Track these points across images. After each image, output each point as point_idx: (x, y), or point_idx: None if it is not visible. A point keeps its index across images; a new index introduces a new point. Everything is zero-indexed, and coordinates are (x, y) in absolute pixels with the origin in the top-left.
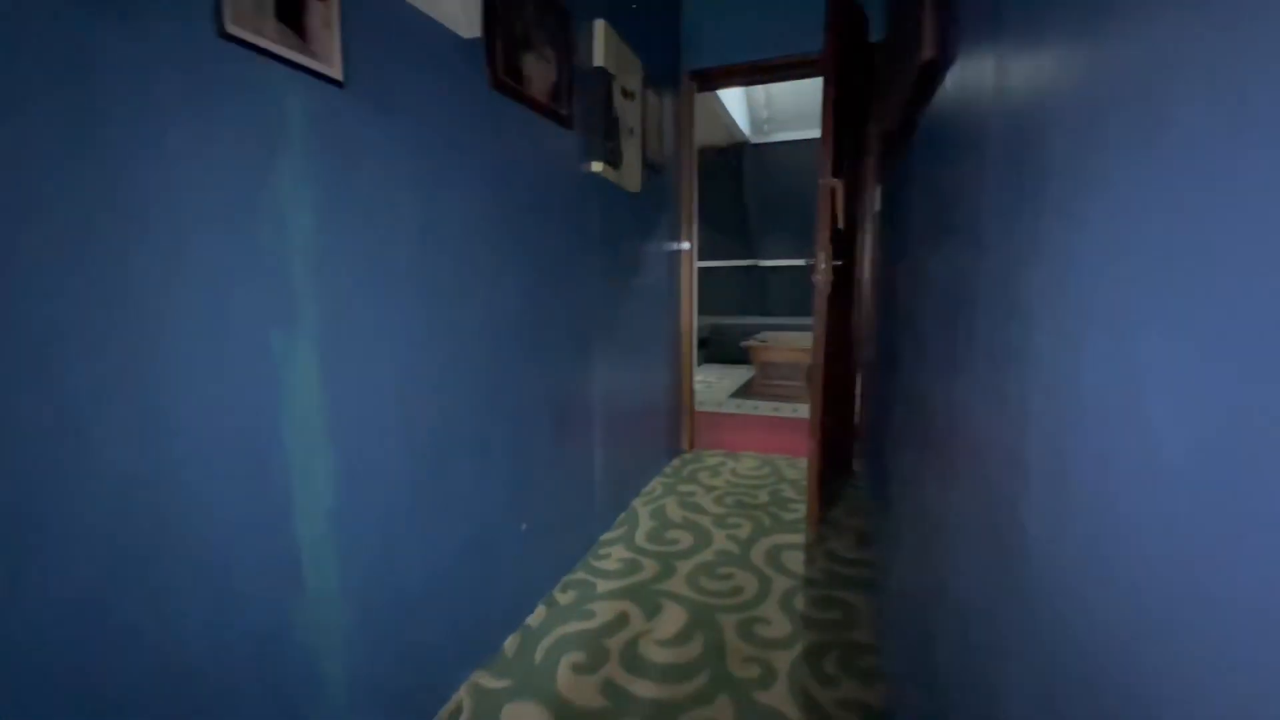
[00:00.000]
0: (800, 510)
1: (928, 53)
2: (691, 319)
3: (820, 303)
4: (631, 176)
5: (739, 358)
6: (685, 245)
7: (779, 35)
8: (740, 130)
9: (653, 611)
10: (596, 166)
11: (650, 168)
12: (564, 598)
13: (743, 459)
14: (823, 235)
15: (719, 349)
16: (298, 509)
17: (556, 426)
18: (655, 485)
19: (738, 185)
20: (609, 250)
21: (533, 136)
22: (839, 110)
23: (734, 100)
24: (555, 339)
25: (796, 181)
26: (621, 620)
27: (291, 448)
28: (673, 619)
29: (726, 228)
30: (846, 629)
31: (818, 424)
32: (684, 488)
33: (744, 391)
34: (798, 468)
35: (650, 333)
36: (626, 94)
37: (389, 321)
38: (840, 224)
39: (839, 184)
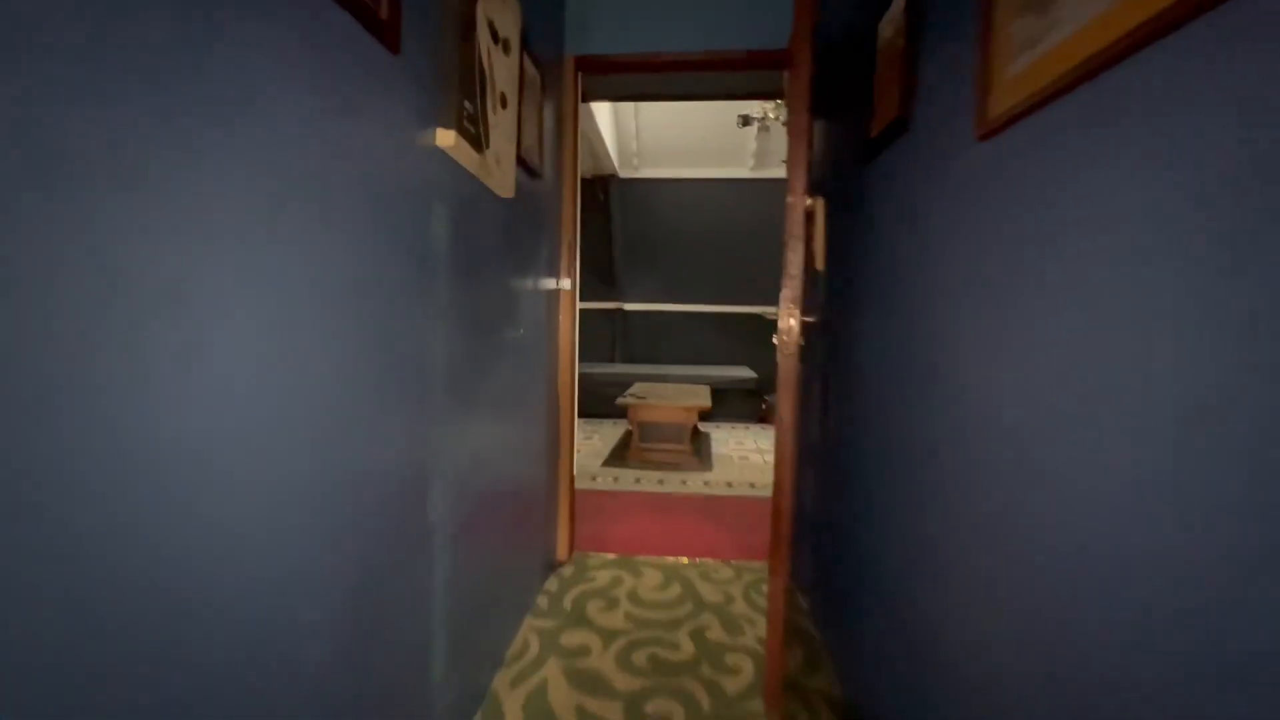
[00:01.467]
0: (743, 668)
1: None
2: (572, 377)
3: (788, 373)
4: (503, 173)
5: (604, 410)
6: (565, 284)
7: (678, 28)
8: (610, 160)
9: None
10: (446, 139)
11: (527, 170)
12: None
13: (642, 571)
14: (793, 280)
15: (583, 400)
16: None
17: (362, 565)
18: (527, 636)
19: (605, 220)
20: (465, 281)
21: (316, 60)
22: (816, 98)
23: (604, 125)
24: (369, 412)
25: (664, 222)
26: None
27: None
28: None
29: (591, 266)
30: None
31: (783, 555)
32: (570, 638)
33: (619, 457)
34: (712, 579)
35: (519, 396)
36: (499, 39)
37: None
38: (820, 264)
39: (820, 204)
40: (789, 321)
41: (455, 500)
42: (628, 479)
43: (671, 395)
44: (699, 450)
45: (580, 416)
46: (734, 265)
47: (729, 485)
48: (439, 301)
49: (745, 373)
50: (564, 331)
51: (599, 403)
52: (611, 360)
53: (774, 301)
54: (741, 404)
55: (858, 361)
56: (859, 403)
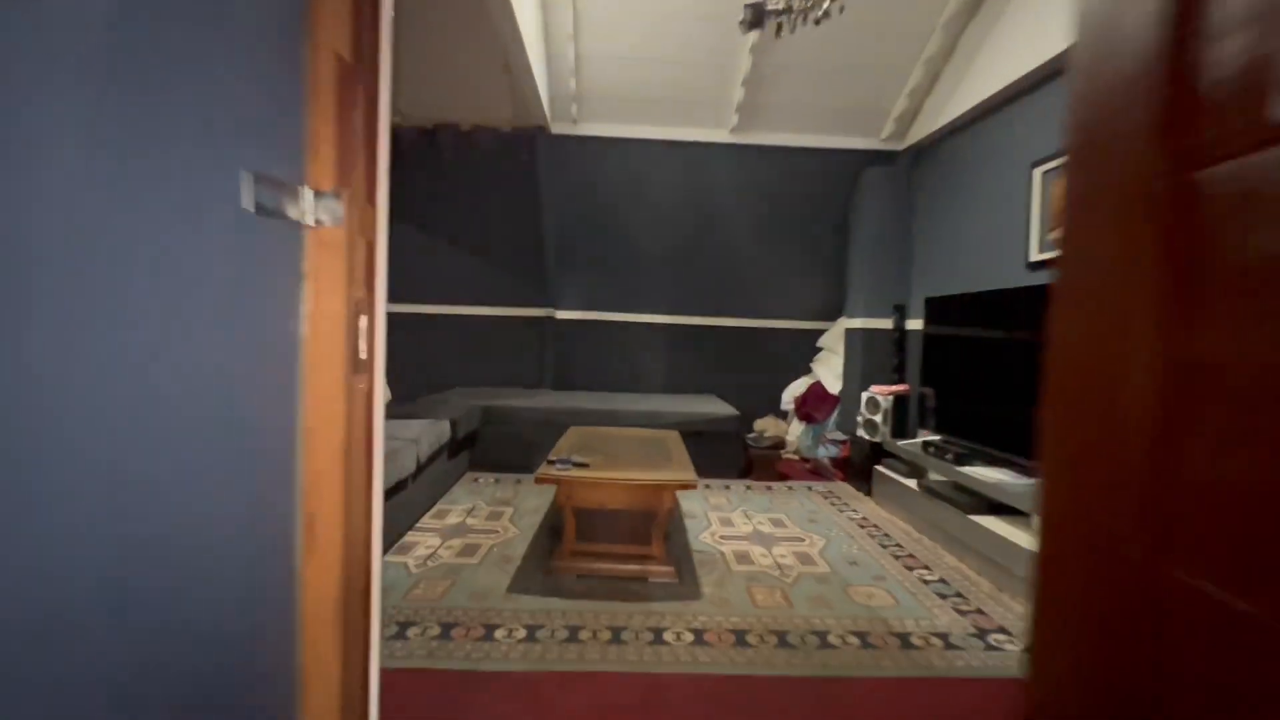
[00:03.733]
0: None
1: None
2: (372, 458)
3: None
4: None
5: (523, 462)
6: (322, 213)
7: None
8: (539, 106)
9: None
10: None
11: None
12: None
13: None
14: None
15: (494, 448)
16: None
17: None
18: None
19: (530, 192)
20: None
21: None
22: None
23: (534, 57)
24: None
25: (612, 198)
26: None
27: None
28: None
29: (509, 256)
30: None
31: None
32: None
33: (541, 567)
34: None
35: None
36: None
37: None
38: None
39: None
40: None
41: None
42: (555, 630)
43: (629, 457)
44: (674, 554)
45: (489, 469)
46: (707, 262)
47: (741, 639)
48: None
49: (721, 408)
50: (319, 340)
51: (519, 452)
52: (538, 387)
53: (764, 312)
54: (717, 452)
55: None
56: None
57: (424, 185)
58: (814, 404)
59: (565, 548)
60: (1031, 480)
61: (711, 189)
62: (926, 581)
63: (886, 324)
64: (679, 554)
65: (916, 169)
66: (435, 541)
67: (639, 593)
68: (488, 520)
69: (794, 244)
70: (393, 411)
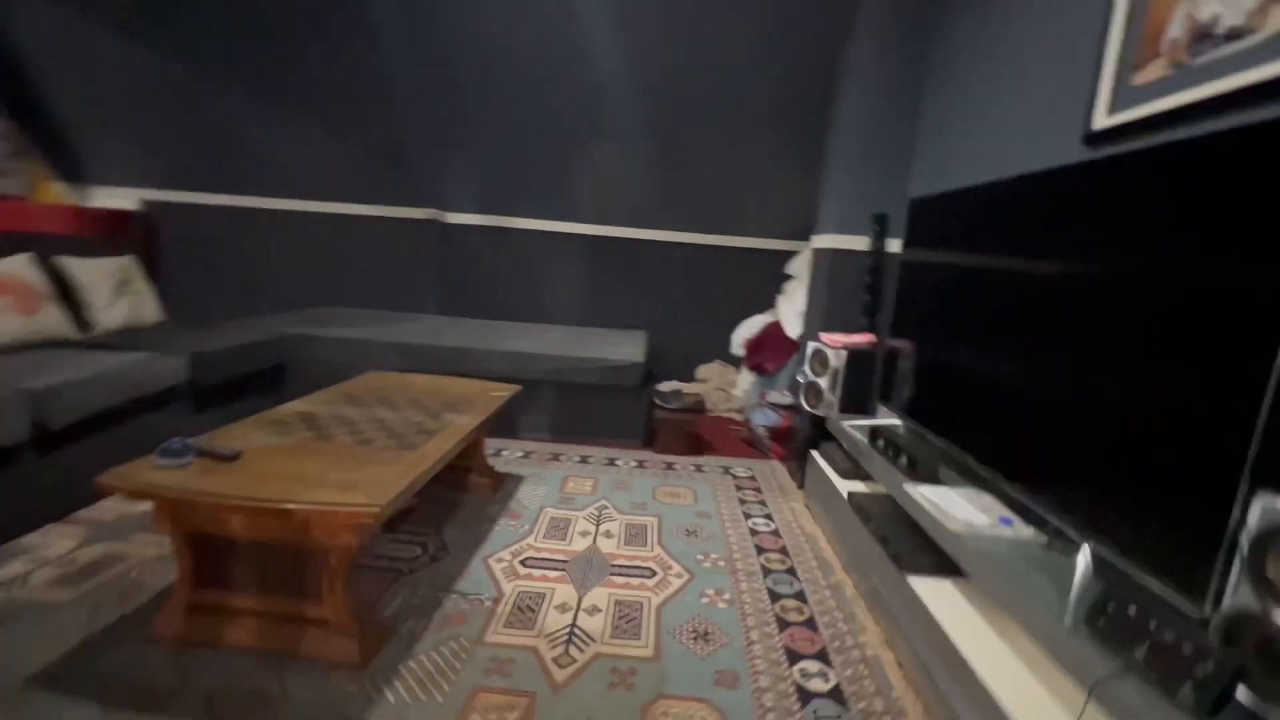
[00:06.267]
0: None
1: None
2: None
3: None
4: None
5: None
6: None
7: None
8: None
9: None
10: None
11: None
12: None
13: None
14: None
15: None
16: None
17: None
18: None
19: (369, 42)
20: None
21: None
22: None
23: None
24: None
25: (513, 52)
26: None
27: None
28: None
29: (368, 140)
30: None
31: None
32: None
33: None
34: None
35: None
36: None
37: None
38: None
39: None
40: None
41: None
42: None
43: (355, 435)
44: (385, 606)
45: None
46: (648, 154)
47: None
48: None
49: (625, 353)
50: None
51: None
52: (422, 312)
53: (723, 225)
54: (612, 413)
55: None
56: None
57: (213, 9)
58: (768, 351)
59: (176, 598)
60: (1039, 532)
61: (643, 45)
62: (806, 693)
63: (861, 244)
64: (417, 600)
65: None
66: (62, 549)
67: (268, 693)
68: None
69: (763, 126)
70: (109, 341)
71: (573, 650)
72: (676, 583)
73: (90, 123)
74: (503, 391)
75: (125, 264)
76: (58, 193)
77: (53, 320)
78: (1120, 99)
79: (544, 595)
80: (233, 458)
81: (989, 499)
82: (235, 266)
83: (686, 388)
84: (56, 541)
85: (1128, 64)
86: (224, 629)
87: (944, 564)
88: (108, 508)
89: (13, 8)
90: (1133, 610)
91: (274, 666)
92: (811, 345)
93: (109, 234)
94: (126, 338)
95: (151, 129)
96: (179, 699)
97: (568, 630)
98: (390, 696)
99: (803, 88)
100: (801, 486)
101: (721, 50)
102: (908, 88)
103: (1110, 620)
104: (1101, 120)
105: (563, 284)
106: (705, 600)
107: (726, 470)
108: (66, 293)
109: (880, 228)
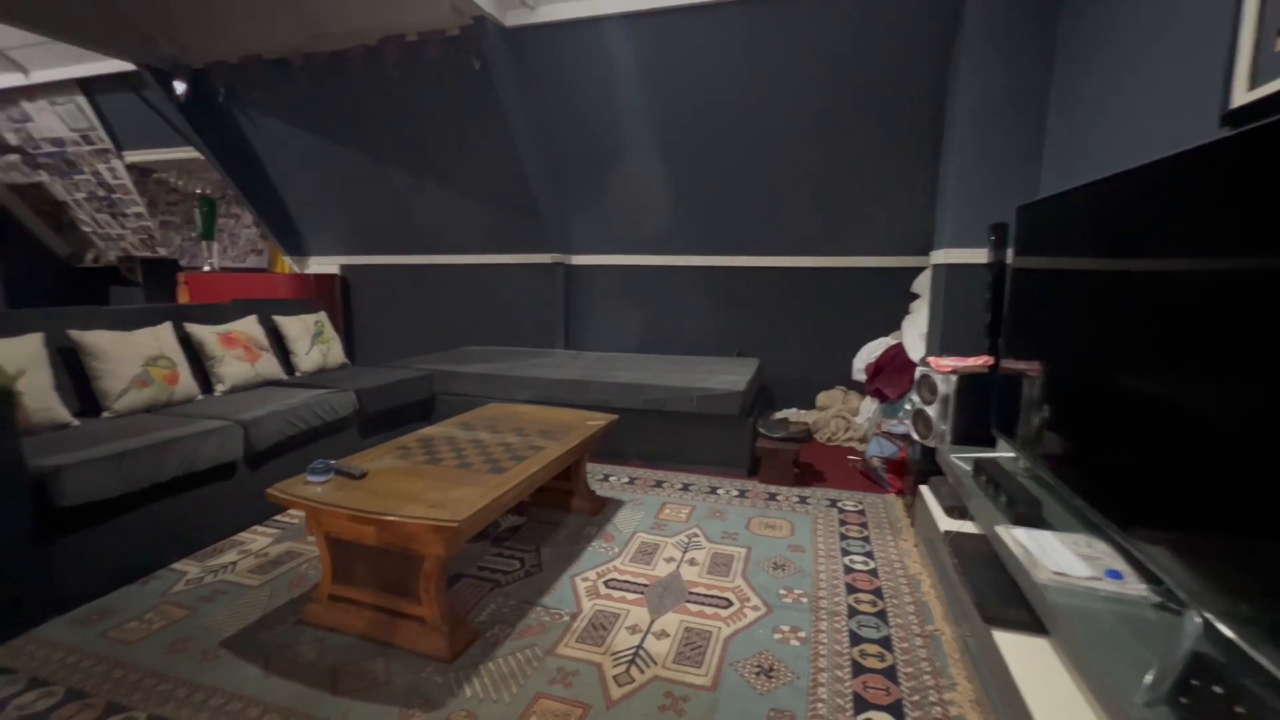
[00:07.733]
0: None
1: None
2: None
3: None
4: None
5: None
6: None
7: None
8: None
9: None
10: None
11: None
12: None
13: None
14: None
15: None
16: None
17: None
18: None
19: (494, 110)
20: None
21: None
22: None
23: None
24: None
25: (611, 103)
26: None
27: None
28: None
29: (498, 195)
30: None
31: None
32: None
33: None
34: None
35: None
36: None
37: None
38: None
39: None
40: None
41: None
42: None
43: (459, 460)
44: (473, 611)
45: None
46: (750, 181)
47: None
48: None
49: (728, 381)
50: None
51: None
52: (550, 346)
53: (836, 246)
54: (716, 441)
55: None
56: None
57: (380, 114)
58: (889, 376)
59: (321, 589)
60: (1153, 590)
61: (741, 75)
62: None
63: (980, 256)
64: (507, 609)
65: None
66: (260, 545)
67: (375, 674)
68: None
69: (874, 142)
70: (306, 380)
71: (634, 670)
72: (751, 615)
73: (308, 208)
74: (599, 420)
75: (319, 317)
76: (287, 264)
77: (269, 365)
78: (1264, 68)
79: (618, 615)
80: (360, 476)
81: (1102, 547)
82: (407, 314)
83: (794, 416)
84: (258, 539)
85: (1270, 25)
86: (350, 618)
87: (1026, 617)
88: (295, 514)
89: (247, 125)
90: (1220, 690)
91: (383, 653)
92: (919, 370)
93: (321, 293)
94: (317, 378)
95: (346, 208)
96: (313, 671)
97: (633, 651)
98: (468, 691)
99: (907, 90)
100: (914, 524)
101: (819, 66)
102: (1025, 77)
103: (1197, 698)
104: (1241, 96)
105: (677, 315)
106: (777, 636)
107: (834, 503)
108: (278, 341)
109: (999, 238)
